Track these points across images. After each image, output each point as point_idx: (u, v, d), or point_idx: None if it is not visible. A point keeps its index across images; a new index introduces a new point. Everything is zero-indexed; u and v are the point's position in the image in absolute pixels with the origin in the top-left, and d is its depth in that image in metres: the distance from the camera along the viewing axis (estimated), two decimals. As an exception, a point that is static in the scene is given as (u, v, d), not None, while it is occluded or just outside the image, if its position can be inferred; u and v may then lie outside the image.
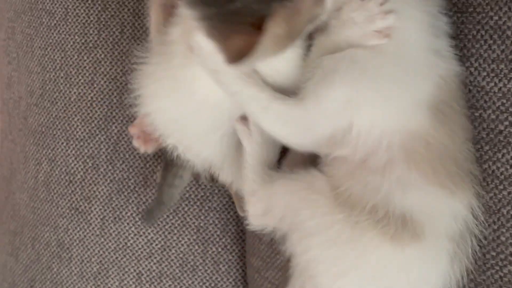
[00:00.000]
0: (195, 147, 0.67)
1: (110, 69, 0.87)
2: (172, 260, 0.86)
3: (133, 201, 0.87)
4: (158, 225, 0.86)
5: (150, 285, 0.87)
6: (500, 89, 0.58)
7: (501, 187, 0.59)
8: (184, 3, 0.52)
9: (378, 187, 0.54)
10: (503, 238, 0.59)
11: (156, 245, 0.86)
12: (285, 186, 0.59)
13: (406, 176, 0.53)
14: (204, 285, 0.86)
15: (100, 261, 0.88)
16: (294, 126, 0.57)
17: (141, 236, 0.86)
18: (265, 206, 0.61)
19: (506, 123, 0.58)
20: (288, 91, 0.57)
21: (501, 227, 0.59)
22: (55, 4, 0.89)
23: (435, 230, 0.54)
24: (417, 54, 0.54)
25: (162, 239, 0.86)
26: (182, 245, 0.86)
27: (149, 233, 0.86)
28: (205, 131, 0.65)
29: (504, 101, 0.58)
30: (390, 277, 0.55)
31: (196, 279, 0.85)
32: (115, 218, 0.87)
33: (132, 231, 0.87)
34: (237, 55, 0.48)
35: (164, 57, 0.60)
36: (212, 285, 0.87)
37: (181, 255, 0.86)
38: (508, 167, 0.59)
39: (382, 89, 0.53)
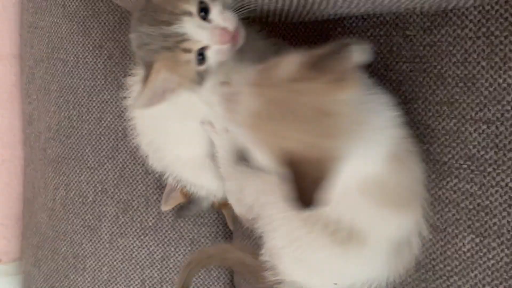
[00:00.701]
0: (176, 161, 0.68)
1: (116, 108, 0.89)
2: (171, 268, 0.90)
3: (136, 219, 0.89)
4: (158, 238, 0.88)
5: (152, 290, 0.89)
6: (443, 127, 0.61)
7: (446, 209, 0.62)
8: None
9: (330, 211, 0.54)
10: (449, 253, 0.62)
11: (157, 255, 0.89)
12: (254, 180, 0.60)
13: (359, 203, 0.54)
14: (199, 288, 0.90)
15: (110, 270, 0.91)
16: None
17: (144, 248, 0.89)
18: (239, 188, 0.62)
19: (449, 155, 0.61)
20: None
21: (447, 243, 0.61)
22: (68, 54, 0.91)
23: (378, 238, 0.56)
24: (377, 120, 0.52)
25: (162, 250, 0.89)
26: (179, 255, 0.89)
27: (150, 246, 0.89)
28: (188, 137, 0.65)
29: (447, 137, 0.61)
30: (336, 270, 0.59)
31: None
32: (121, 233, 0.89)
33: (136, 244, 0.89)
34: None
35: None
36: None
37: (178, 264, 0.89)
38: (452, 192, 0.61)
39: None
